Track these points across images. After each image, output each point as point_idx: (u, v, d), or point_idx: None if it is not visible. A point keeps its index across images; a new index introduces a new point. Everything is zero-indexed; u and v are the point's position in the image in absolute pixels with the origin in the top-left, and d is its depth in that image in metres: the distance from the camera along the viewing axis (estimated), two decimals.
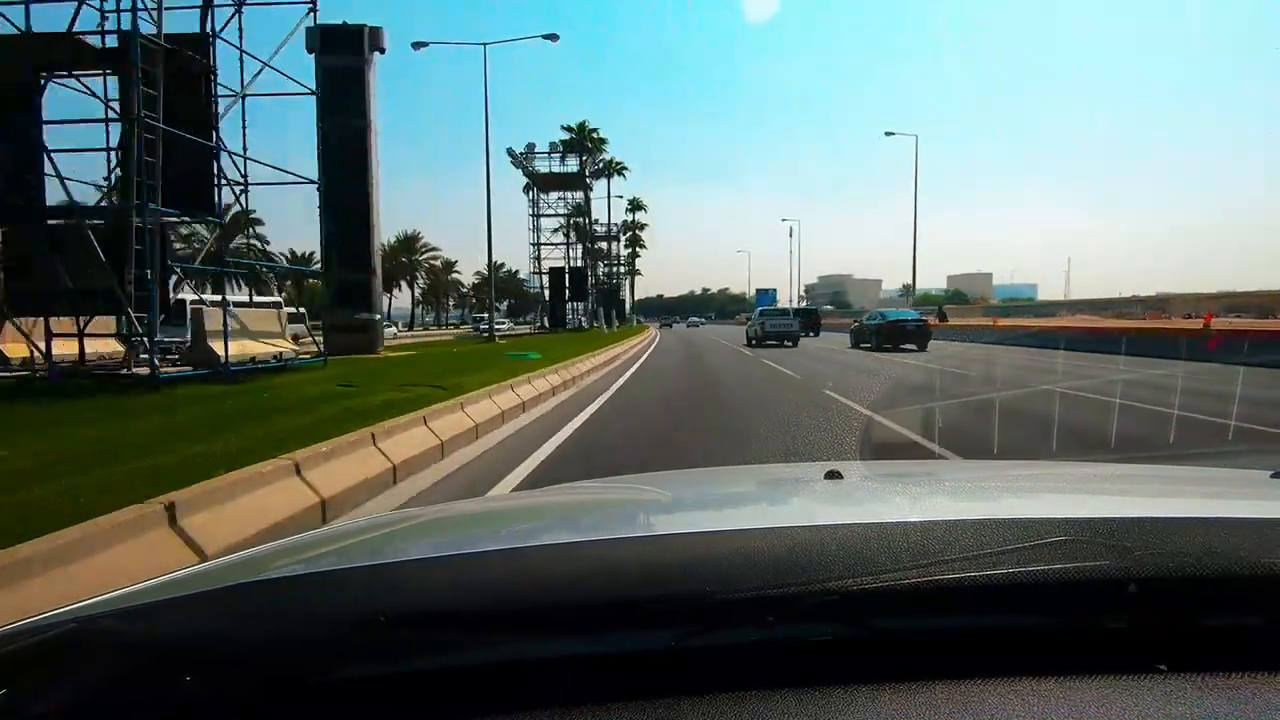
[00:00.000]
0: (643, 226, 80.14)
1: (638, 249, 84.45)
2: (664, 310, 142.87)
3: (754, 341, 26.40)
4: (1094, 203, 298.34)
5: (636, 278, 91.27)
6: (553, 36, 29.77)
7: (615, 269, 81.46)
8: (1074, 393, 9.41)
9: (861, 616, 0.61)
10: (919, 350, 20.10)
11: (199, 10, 11.74)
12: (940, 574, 0.61)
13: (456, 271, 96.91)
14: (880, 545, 0.65)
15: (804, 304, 65.21)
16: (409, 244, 76.99)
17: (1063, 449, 4.88)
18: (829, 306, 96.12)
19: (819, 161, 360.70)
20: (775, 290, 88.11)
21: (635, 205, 77.91)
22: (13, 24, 10.18)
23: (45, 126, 10.63)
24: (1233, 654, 0.60)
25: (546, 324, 55.31)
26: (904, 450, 4.41)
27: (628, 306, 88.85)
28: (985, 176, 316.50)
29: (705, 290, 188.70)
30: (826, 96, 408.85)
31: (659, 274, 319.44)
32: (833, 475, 1.15)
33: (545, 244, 58.63)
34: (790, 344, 25.10)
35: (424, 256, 79.36)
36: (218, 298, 12.62)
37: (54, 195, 10.69)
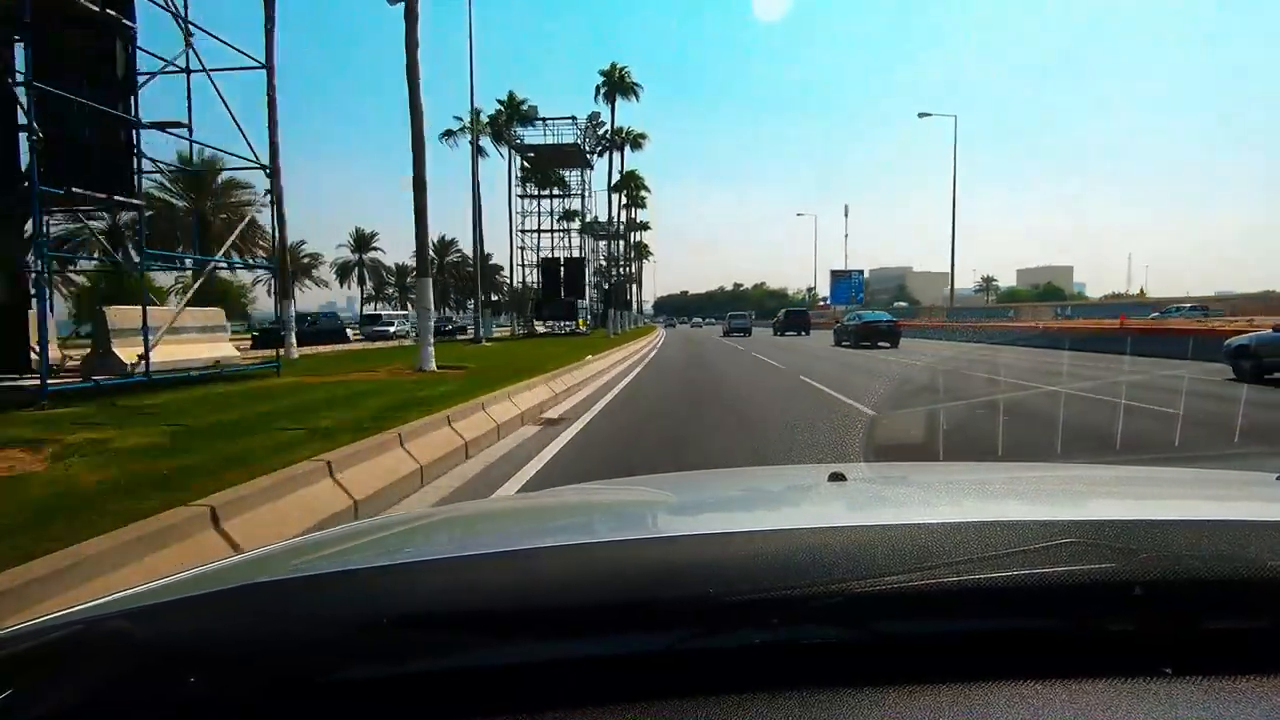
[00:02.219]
0: (638, 140, 46.46)
1: (636, 201, 53.54)
2: (683, 309, 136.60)
3: (724, 334, 41.18)
4: (1131, 198, 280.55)
5: (648, 271, 73.26)
6: None
7: (612, 243, 51.76)
8: None
9: (865, 619, 0.61)
10: (891, 347, 22.88)
11: None
12: (945, 576, 0.61)
13: (378, 248, 71.77)
14: (884, 548, 0.65)
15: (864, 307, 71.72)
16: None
17: None
18: (902, 304, 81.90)
19: (863, 152, 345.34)
20: (861, 274, 68.34)
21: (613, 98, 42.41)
22: None
23: None
24: (1238, 657, 0.59)
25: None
26: (907, 451, 4.65)
27: (637, 302, 69.38)
28: (1025, 171, 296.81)
29: (738, 286, 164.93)
30: (866, 85, 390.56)
31: (684, 268, 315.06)
32: (836, 477, 1.16)
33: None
34: (747, 335, 39.21)
35: (235, 199, 40.27)
36: None
37: None
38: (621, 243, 55.23)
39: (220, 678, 0.58)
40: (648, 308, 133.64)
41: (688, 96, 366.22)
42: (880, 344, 23.36)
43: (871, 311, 33.74)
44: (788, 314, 41.79)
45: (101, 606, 0.70)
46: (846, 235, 73.58)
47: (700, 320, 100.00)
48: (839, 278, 67.35)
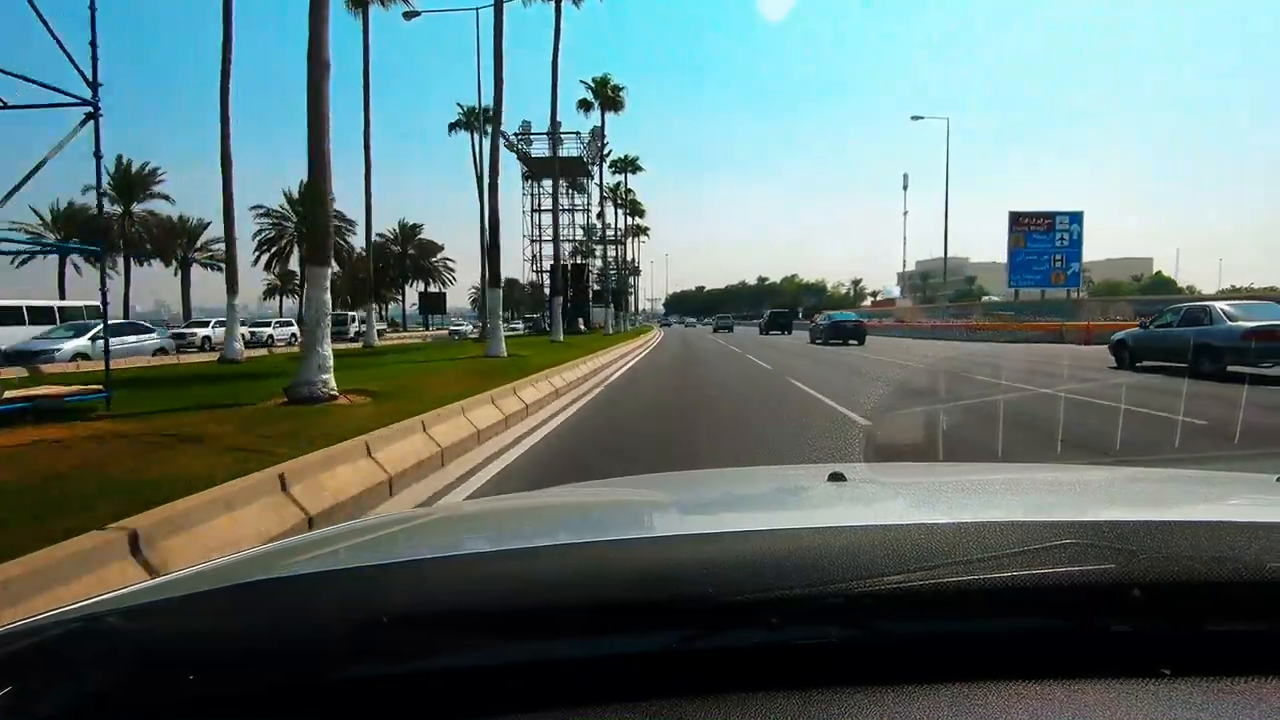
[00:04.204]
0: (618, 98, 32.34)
1: (617, 154, 37.89)
2: (698, 308, 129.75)
3: (713, 330, 50.42)
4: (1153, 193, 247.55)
5: (659, 264, 57.65)
6: None
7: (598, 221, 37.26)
8: None
9: (865, 619, 0.61)
10: (859, 344, 25.24)
11: None
12: (944, 577, 0.61)
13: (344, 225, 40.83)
14: (884, 548, 0.65)
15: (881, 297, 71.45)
16: None
17: None
18: (993, 298, 69.00)
19: (905, 144, 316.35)
20: (1078, 218, 35.67)
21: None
22: None
23: None
24: (1237, 658, 0.60)
25: None
26: (907, 452, 4.60)
27: (632, 297, 56.65)
28: (1046, 163, 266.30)
29: (763, 280, 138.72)
30: (896, 76, 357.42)
31: (696, 264, 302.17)
32: (836, 477, 1.15)
33: None
34: (729, 330, 48.13)
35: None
36: None
37: None
38: (597, 196, 37.04)
39: (217, 676, 0.58)
40: (656, 305, 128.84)
41: (691, 84, 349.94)
42: (849, 341, 25.60)
43: (840, 312, 35.40)
44: (772, 315, 45.48)
45: (98, 605, 0.70)
46: (906, 212, 51.64)
47: (694, 320, 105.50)
48: (1029, 226, 33.62)
